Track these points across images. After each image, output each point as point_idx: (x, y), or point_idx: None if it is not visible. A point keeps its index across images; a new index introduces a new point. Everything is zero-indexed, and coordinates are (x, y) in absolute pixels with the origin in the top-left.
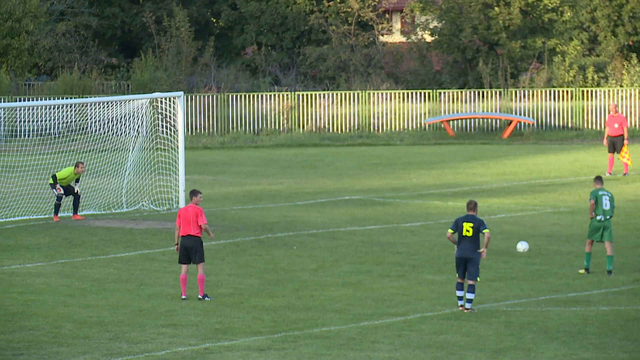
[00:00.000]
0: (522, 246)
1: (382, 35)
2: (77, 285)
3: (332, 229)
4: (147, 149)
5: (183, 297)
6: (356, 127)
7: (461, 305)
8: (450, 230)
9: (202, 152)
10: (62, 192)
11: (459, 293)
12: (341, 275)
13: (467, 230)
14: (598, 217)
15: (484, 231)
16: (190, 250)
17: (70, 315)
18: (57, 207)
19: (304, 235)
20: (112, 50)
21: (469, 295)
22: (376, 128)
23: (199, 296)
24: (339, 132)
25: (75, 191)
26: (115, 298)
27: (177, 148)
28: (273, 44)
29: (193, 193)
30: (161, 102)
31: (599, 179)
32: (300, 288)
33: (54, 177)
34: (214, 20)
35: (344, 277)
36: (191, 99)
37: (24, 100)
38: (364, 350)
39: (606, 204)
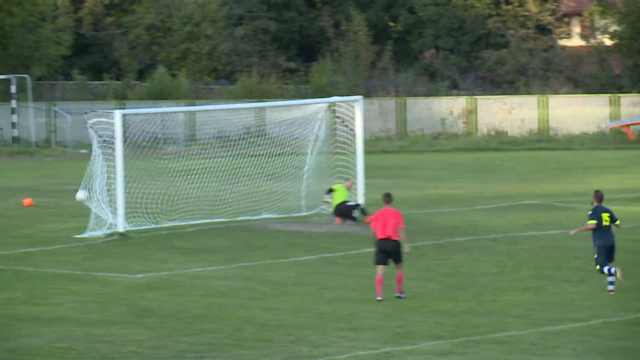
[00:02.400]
0: (80, 195)
1: (561, 39)
2: (258, 288)
3: (513, 233)
4: (325, 152)
5: (378, 298)
6: (535, 131)
7: (611, 290)
8: (593, 221)
9: (380, 156)
10: (329, 201)
11: (611, 278)
12: (522, 280)
13: (606, 220)
14: None
15: (616, 222)
16: (389, 253)
17: (251, 318)
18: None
19: (485, 240)
20: (290, 54)
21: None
22: (555, 132)
23: (396, 293)
24: (518, 136)
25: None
26: (296, 301)
27: (356, 152)
28: (451, 47)
29: (389, 196)
30: (340, 106)
31: None
32: (481, 292)
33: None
34: (392, 24)
35: (525, 281)
36: (369, 103)
37: (203, 104)
38: (546, 356)
39: None
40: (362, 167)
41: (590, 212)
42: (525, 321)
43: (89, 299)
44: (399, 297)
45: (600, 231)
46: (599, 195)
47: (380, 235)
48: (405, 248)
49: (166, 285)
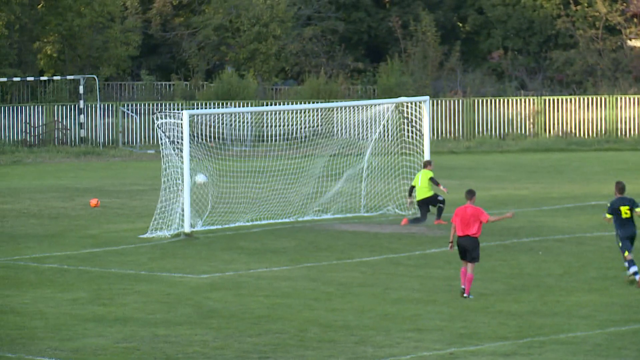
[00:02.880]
0: (200, 178)
1: (631, 39)
2: (323, 289)
3: (579, 234)
4: (392, 153)
5: (463, 286)
6: (603, 131)
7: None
8: (610, 216)
9: (447, 156)
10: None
11: (633, 269)
12: (587, 281)
13: (626, 213)
14: None
15: (636, 209)
16: (465, 250)
17: (315, 318)
18: (439, 210)
19: (550, 241)
20: (358, 54)
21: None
22: (623, 133)
23: (464, 295)
24: (586, 136)
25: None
26: (361, 302)
27: (423, 153)
28: (519, 48)
29: (471, 193)
30: (407, 106)
31: None
32: (546, 293)
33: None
34: (460, 25)
35: (590, 282)
36: (437, 104)
37: (271, 105)
38: (611, 357)
39: None
40: None
41: (608, 205)
42: (590, 322)
43: (154, 299)
44: (465, 298)
45: (621, 222)
46: (619, 186)
47: (458, 232)
48: (505, 215)
49: (231, 285)
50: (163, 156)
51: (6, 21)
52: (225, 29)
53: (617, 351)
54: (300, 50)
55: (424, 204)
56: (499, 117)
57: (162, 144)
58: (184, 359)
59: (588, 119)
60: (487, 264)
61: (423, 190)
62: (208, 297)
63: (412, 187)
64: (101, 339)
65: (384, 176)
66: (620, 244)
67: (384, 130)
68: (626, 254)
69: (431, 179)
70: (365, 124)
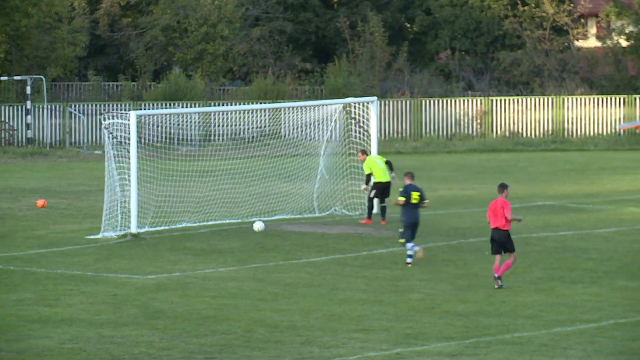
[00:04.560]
0: (258, 226)
1: (577, 40)
2: (269, 289)
3: (525, 234)
4: (340, 154)
5: (496, 274)
6: (549, 132)
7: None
8: (402, 198)
9: (395, 157)
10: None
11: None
12: (533, 281)
13: (415, 198)
14: None
15: (425, 201)
16: (500, 243)
17: (262, 319)
18: (382, 210)
19: None
20: (306, 55)
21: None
22: (570, 133)
23: (495, 274)
24: (532, 137)
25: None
26: (307, 302)
27: (370, 153)
28: (467, 48)
29: (502, 187)
30: (355, 107)
31: None
32: (492, 294)
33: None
34: (408, 25)
35: (536, 283)
36: (384, 104)
37: (218, 105)
38: (556, 357)
39: None
40: None
41: (400, 189)
42: (536, 322)
43: (100, 300)
44: (498, 280)
45: (408, 208)
46: (410, 175)
47: (491, 225)
48: (519, 217)
49: (177, 286)
50: (110, 157)
51: None
52: (172, 29)
53: (563, 351)
54: (247, 50)
55: (384, 189)
56: (446, 117)
57: (108, 144)
58: None
59: (535, 120)
60: (434, 264)
61: (382, 173)
62: (154, 297)
63: (369, 175)
64: (47, 340)
65: (331, 177)
66: (402, 230)
67: (332, 131)
68: (402, 241)
69: (387, 162)
70: (312, 125)
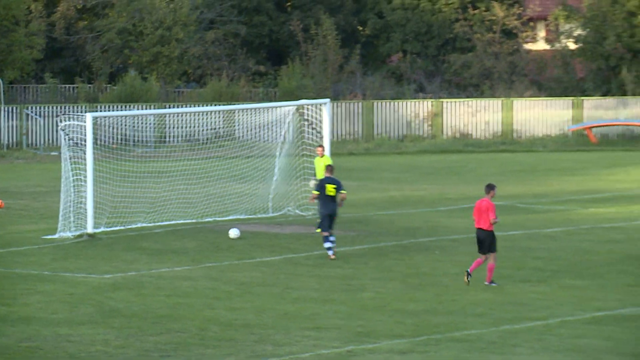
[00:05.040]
0: (233, 233)
1: (527, 43)
2: (223, 288)
3: (474, 234)
4: (293, 155)
5: (468, 270)
6: (499, 133)
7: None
8: (315, 192)
9: (347, 158)
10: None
11: (327, 244)
12: (482, 280)
13: (330, 190)
14: None
15: (341, 192)
16: (482, 242)
17: (216, 317)
18: None
19: (446, 241)
20: (259, 58)
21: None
22: (519, 135)
23: (486, 282)
24: (482, 138)
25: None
26: (261, 301)
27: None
28: (418, 51)
29: (489, 187)
30: (308, 109)
31: None
32: (442, 292)
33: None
34: (360, 29)
35: (485, 281)
36: (337, 106)
37: (173, 107)
38: (505, 354)
39: None
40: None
41: (317, 182)
42: (485, 320)
43: (57, 299)
44: (490, 285)
45: (324, 200)
46: (330, 168)
47: (476, 225)
48: (495, 219)
49: (132, 285)
50: (66, 158)
51: None
52: (128, 32)
53: (511, 348)
54: (202, 53)
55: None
56: (398, 119)
57: (65, 146)
58: (87, 358)
59: (484, 121)
60: (384, 264)
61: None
62: (110, 296)
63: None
64: (4, 339)
65: (284, 177)
66: (319, 221)
67: (286, 133)
68: (319, 230)
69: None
70: (266, 127)
